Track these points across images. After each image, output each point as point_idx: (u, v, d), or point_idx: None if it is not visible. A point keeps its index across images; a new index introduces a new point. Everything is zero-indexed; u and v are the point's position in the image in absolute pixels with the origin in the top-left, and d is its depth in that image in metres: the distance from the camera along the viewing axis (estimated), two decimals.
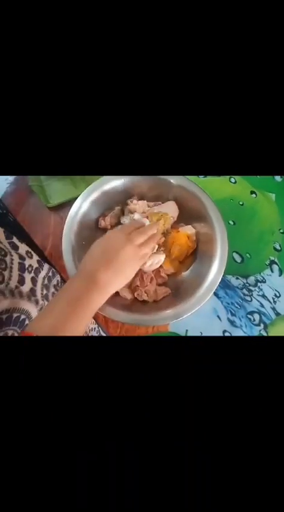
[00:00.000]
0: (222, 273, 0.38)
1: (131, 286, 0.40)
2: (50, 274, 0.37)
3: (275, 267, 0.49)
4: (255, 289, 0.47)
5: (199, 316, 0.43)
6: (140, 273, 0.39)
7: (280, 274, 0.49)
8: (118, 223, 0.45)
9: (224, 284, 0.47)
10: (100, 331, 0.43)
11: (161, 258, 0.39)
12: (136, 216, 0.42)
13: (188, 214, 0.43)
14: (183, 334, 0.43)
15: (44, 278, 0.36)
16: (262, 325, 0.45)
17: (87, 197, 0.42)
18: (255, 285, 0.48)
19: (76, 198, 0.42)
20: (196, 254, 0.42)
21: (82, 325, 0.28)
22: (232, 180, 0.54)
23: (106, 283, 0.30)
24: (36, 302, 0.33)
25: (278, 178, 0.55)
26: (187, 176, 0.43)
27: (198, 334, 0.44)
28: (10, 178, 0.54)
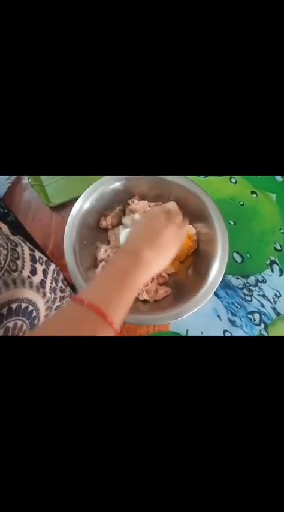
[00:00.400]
0: (223, 273, 0.38)
1: None
2: (58, 268, 0.38)
3: (275, 267, 0.49)
4: (255, 289, 0.47)
5: (200, 316, 0.43)
6: None
7: (281, 274, 0.48)
8: (120, 223, 0.45)
9: (224, 284, 0.47)
10: None
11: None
12: (137, 216, 0.42)
13: (189, 214, 0.43)
14: (183, 333, 0.43)
15: (53, 271, 0.36)
16: (262, 325, 0.45)
17: (89, 197, 0.42)
18: (255, 285, 0.48)
19: (77, 198, 0.42)
20: (197, 254, 0.42)
21: (131, 300, 0.28)
22: (233, 180, 0.54)
23: (151, 262, 0.30)
24: (44, 294, 0.33)
25: (279, 178, 0.55)
26: (188, 176, 0.43)
27: (198, 334, 0.44)
28: (11, 178, 0.54)
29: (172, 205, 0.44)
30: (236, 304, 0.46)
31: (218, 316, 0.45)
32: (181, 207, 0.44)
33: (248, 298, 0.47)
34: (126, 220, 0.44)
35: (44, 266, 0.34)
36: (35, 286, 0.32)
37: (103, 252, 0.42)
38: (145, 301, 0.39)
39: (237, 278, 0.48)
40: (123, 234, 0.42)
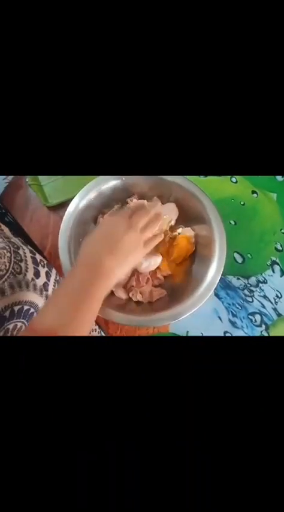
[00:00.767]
0: (220, 275, 0.38)
1: (126, 286, 0.40)
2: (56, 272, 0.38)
3: (276, 268, 0.49)
4: (256, 290, 0.47)
5: (200, 317, 0.43)
6: (136, 274, 0.39)
7: (282, 275, 0.48)
8: None
9: (225, 285, 0.47)
10: (101, 332, 0.43)
11: (158, 259, 0.39)
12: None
13: (187, 215, 0.43)
14: (183, 335, 0.43)
15: (56, 274, 0.36)
16: (263, 326, 0.45)
17: (85, 195, 0.42)
18: (256, 286, 0.47)
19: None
20: (194, 256, 0.42)
21: (90, 318, 0.27)
22: (233, 179, 0.54)
23: (111, 269, 0.28)
24: (47, 297, 0.33)
25: (279, 178, 0.55)
26: (188, 176, 0.43)
27: (198, 334, 0.44)
28: (8, 177, 0.54)
29: (171, 206, 0.43)
30: (237, 305, 0.46)
31: (219, 318, 0.45)
32: (180, 208, 0.44)
33: (249, 299, 0.47)
34: None
35: (46, 268, 0.34)
36: (39, 289, 0.32)
37: None
38: (138, 303, 0.39)
39: (238, 279, 0.48)
40: None
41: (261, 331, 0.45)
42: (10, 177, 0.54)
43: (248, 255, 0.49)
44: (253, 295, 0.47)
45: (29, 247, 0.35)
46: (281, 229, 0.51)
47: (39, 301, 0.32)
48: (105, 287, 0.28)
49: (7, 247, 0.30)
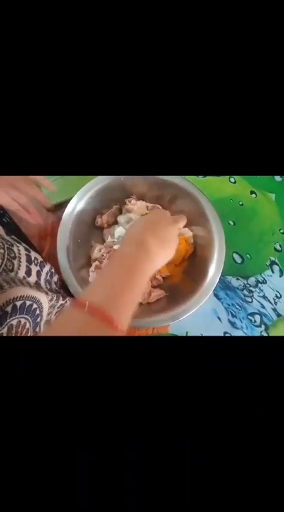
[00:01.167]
0: (219, 275, 0.38)
1: None
2: (53, 270, 0.37)
3: (275, 268, 0.49)
4: (256, 290, 0.47)
5: (200, 317, 0.43)
6: None
7: (281, 275, 0.48)
8: (115, 222, 0.45)
9: (224, 285, 0.47)
10: None
11: None
12: (133, 215, 0.42)
13: (186, 215, 0.43)
14: (183, 336, 0.43)
15: (47, 273, 0.36)
16: (263, 326, 0.45)
17: (84, 196, 0.42)
18: (256, 286, 0.48)
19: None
20: (193, 257, 0.42)
21: (138, 297, 0.27)
22: (232, 180, 0.54)
23: (155, 252, 0.29)
24: (46, 293, 0.33)
25: (278, 178, 0.56)
26: (186, 176, 0.43)
27: (198, 335, 0.44)
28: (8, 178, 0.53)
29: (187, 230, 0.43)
30: (237, 306, 0.46)
31: (219, 318, 0.45)
32: (178, 208, 0.44)
33: (249, 299, 0.47)
34: (121, 218, 0.44)
35: (38, 268, 0.34)
36: (34, 286, 0.32)
37: (97, 251, 0.42)
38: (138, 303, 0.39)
39: (237, 279, 0.48)
40: (117, 232, 0.42)
41: (261, 332, 0.45)
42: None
43: (248, 256, 0.49)
44: (253, 296, 0.47)
45: (24, 244, 0.35)
46: (280, 230, 0.51)
47: (41, 296, 0.32)
48: (150, 269, 0.28)
49: (0, 244, 0.30)
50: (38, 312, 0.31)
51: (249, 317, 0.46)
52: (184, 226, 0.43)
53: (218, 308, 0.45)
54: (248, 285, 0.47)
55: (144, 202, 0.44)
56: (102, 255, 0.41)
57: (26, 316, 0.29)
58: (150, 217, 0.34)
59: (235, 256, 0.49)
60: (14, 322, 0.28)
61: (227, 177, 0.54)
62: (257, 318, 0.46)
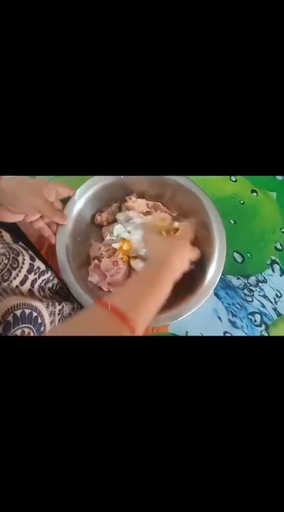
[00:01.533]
0: (220, 275, 0.38)
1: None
2: (51, 277, 0.37)
3: (276, 267, 0.49)
4: (256, 290, 0.47)
5: (200, 317, 0.43)
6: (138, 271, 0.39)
7: (281, 274, 0.48)
8: (115, 220, 0.44)
9: (225, 284, 0.47)
10: None
11: None
12: (132, 213, 0.42)
13: (186, 214, 0.43)
14: (183, 335, 0.43)
15: (43, 280, 0.36)
16: (263, 325, 0.45)
17: (83, 194, 0.42)
18: (256, 285, 0.47)
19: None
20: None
21: (156, 307, 0.30)
22: (233, 178, 0.54)
23: (178, 268, 0.33)
24: (40, 300, 0.33)
25: (279, 177, 0.55)
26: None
27: (198, 335, 0.44)
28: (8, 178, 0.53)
29: (185, 226, 0.43)
30: (237, 305, 0.46)
31: (219, 318, 0.45)
32: (179, 207, 0.44)
33: (249, 298, 0.47)
34: (120, 216, 0.43)
35: (35, 276, 0.34)
36: (28, 295, 0.32)
37: (96, 249, 0.42)
38: None
39: (238, 278, 0.47)
40: (116, 229, 0.41)
41: (261, 331, 0.45)
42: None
43: (248, 255, 0.49)
44: (253, 295, 0.47)
45: (30, 252, 0.35)
46: (281, 229, 0.51)
47: (36, 303, 0.32)
48: (170, 282, 0.32)
49: (7, 254, 0.30)
50: (39, 320, 0.31)
51: (249, 316, 0.45)
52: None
53: (219, 307, 0.45)
54: (248, 284, 0.47)
55: (144, 200, 0.44)
56: (101, 254, 0.41)
57: (29, 326, 0.29)
58: (173, 239, 0.37)
59: (236, 255, 0.49)
60: (18, 333, 0.28)
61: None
62: (258, 317, 0.46)
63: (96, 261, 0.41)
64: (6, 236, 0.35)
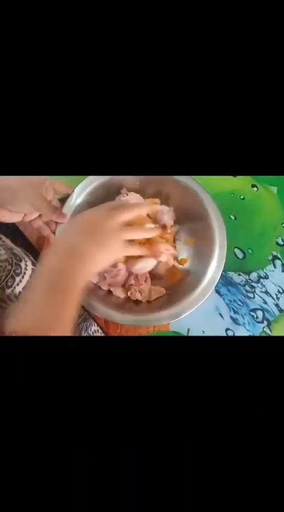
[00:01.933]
0: (221, 272, 0.37)
1: (125, 285, 0.40)
2: None
3: (278, 263, 0.48)
4: (258, 286, 0.47)
5: (201, 314, 0.43)
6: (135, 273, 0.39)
7: (283, 270, 0.48)
8: None
9: (226, 281, 0.47)
10: (102, 333, 0.43)
11: (153, 263, 0.39)
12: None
13: (186, 212, 0.43)
14: (184, 333, 0.43)
15: None
16: (265, 322, 0.45)
17: (81, 193, 0.41)
18: (258, 281, 0.47)
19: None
20: (194, 252, 0.42)
21: (74, 306, 0.24)
22: None
23: (90, 253, 0.26)
24: None
25: None
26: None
27: (200, 332, 0.43)
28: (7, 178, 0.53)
29: (168, 210, 0.42)
30: (239, 302, 0.46)
31: (220, 315, 0.45)
32: (178, 204, 0.43)
33: (251, 295, 0.46)
34: None
35: None
36: None
37: None
38: (137, 302, 0.39)
39: (239, 275, 0.47)
40: None
41: (263, 328, 0.45)
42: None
43: (249, 250, 0.49)
44: (255, 291, 0.46)
45: (31, 257, 0.35)
46: (282, 224, 0.50)
47: None
48: (85, 273, 0.26)
49: (9, 260, 0.30)
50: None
51: (251, 313, 0.45)
52: (184, 222, 0.42)
53: (220, 304, 0.45)
54: (250, 281, 0.47)
55: (139, 195, 0.43)
56: None
57: None
58: (81, 216, 0.30)
59: (237, 251, 0.48)
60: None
61: None
62: (260, 313, 0.45)
63: None
64: (7, 241, 0.35)
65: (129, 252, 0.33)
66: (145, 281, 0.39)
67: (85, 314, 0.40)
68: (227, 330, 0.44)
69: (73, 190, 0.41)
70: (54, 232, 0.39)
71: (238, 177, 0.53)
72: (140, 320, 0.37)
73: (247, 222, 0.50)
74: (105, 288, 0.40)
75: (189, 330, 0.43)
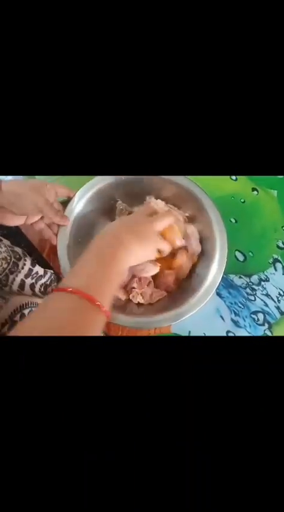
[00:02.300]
0: (221, 274, 0.37)
1: (126, 287, 0.40)
2: (48, 282, 0.38)
3: (278, 265, 0.48)
4: (258, 288, 0.47)
5: (202, 316, 0.43)
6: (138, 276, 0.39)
7: None
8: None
9: (227, 283, 0.47)
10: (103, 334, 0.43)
11: (155, 268, 0.39)
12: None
13: (186, 213, 0.43)
14: (185, 335, 0.43)
15: (41, 285, 0.36)
16: (266, 324, 0.45)
17: (84, 194, 0.42)
18: (259, 284, 0.47)
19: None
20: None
21: (115, 283, 0.27)
22: (233, 177, 0.54)
23: (131, 246, 0.29)
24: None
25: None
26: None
27: (201, 334, 0.43)
28: (7, 178, 0.54)
29: (162, 205, 0.42)
30: (240, 304, 0.45)
31: (221, 317, 0.44)
32: (178, 207, 0.43)
33: (252, 297, 0.46)
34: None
35: (33, 281, 0.34)
36: (32, 295, 0.32)
37: None
38: (138, 304, 0.39)
39: (240, 277, 0.47)
40: None
41: (264, 330, 0.44)
42: (8, 178, 0.54)
43: (250, 253, 0.49)
44: (256, 294, 0.46)
45: (31, 257, 0.35)
46: (282, 227, 0.51)
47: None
48: (123, 259, 0.28)
49: (8, 258, 0.31)
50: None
51: (252, 315, 0.45)
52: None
53: (221, 307, 0.45)
54: (251, 283, 0.47)
55: (163, 202, 0.43)
56: None
57: None
58: (128, 216, 0.35)
59: (238, 254, 0.49)
60: None
61: None
62: (261, 316, 0.45)
63: None
64: (7, 243, 0.35)
65: (155, 254, 0.35)
66: (147, 285, 0.39)
67: None
68: (228, 332, 0.44)
69: (74, 194, 0.41)
70: (56, 235, 0.39)
71: (238, 180, 0.53)
72: (141, 322, 0.37)
73: (247, 225, 0.50)
74: None
75: (189, 332, 0.43)
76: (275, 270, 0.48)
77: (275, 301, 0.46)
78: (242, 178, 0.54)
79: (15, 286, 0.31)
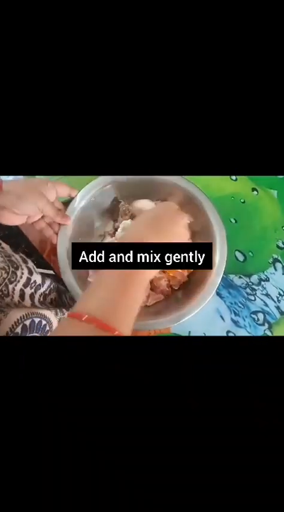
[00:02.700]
0: (221, 275, 0.37)
1: None
2: (47, 291, 0.37)
3: (278, 265, 0.48)
4: (258, 288, 0.47)
5: (202, 316, 0.43)
6: None
7: None
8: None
9: (227, 283, 0.47)
10: None
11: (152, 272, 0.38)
12: (129, 222, 0.42)
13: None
14: (185, 335, 0.43)
15: (40, 295, 0.36)
16: (266, 324, 0.45)
17: (86, 194, 0.42)
18: (258, 284, 0.47)
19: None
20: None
21: (139, 299, 0.24)
22: (233, 177, 0.54)
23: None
24: (48, 308, 0.33)
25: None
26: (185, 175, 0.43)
27: (201, 335, 0.43)
28: (8, 178, 0.54)
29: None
30: (240, 304, 0.45)
31: (221, 317, 0.44)
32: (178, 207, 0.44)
33: (252, 297, 0.46)
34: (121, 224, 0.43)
35: (32, 291, 0.34)
36: (32, 307, 0.32)
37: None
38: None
39: (240, 277, 0.47)
40: (119, 232, 0.42)
41: (264, 330, 0.44)
42: (9, 178, 0.54)
43: (250, 253, 0.49)
44: (256, 294, 0.46)
45: (30, 264, 0.35)
46: (282, 227, 0.51)
47: (46, 312, 0.31)
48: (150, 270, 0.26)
49: (6, 268, 0.30)
50: (47, 328, 0.31)
51: (252, 315, 0.45)
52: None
53: (221, 307, 0.45)
54: (251, 283, 0.47)
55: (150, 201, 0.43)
56: None
57: (35, 334, 0.29)
58: (152, 212, 0.32)
59: (238, 254, 0.49)
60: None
61: None
62: (261, 316, 0.45)
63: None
64: (6, 247, 0.35)
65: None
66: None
67: None
68: (228, 332, 0.44)
69: (76, 194, 0.41)
70: (56, 234, 0.39)
71: (238, 181, 0.53)
72: (142, 324, 0.37)
73: (247, 225, 0.50)
74: None
75: (189, 332, 0.43)
76: (275, 270, 0.48)
77: (275, 301, 0.46)
78: (242, 179, 0.54)
79: (16, 297, 0.31)
